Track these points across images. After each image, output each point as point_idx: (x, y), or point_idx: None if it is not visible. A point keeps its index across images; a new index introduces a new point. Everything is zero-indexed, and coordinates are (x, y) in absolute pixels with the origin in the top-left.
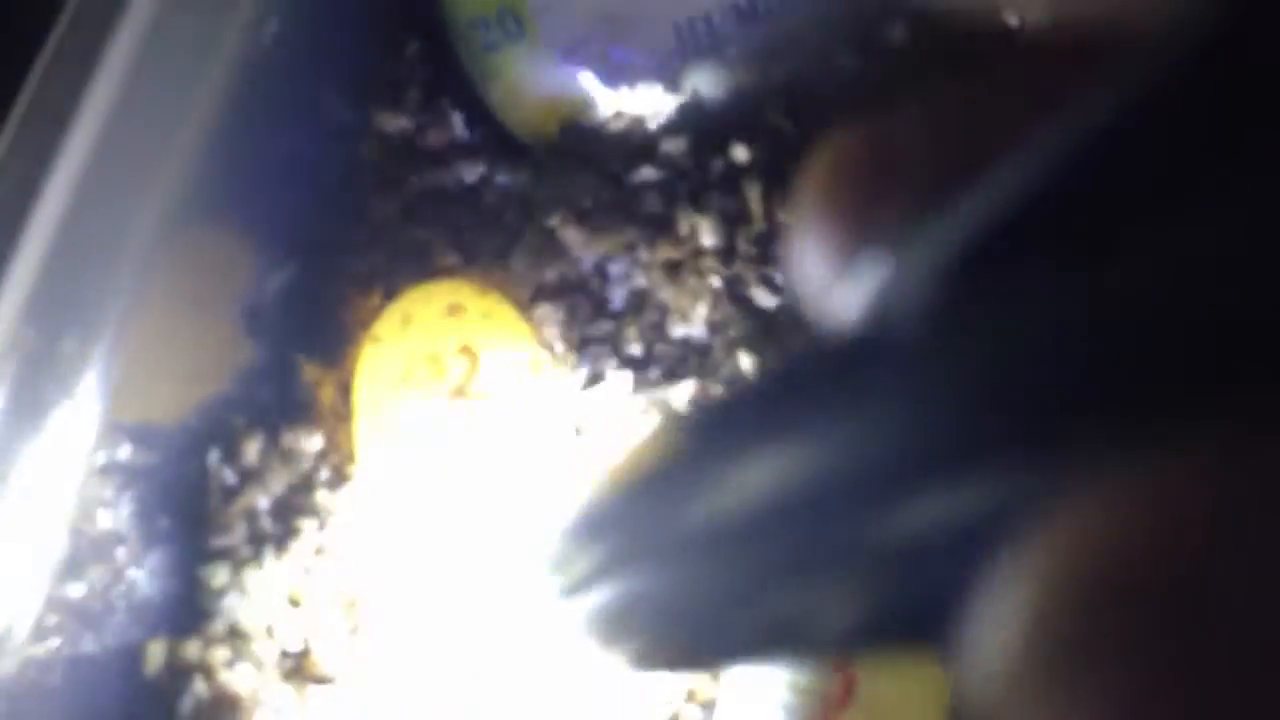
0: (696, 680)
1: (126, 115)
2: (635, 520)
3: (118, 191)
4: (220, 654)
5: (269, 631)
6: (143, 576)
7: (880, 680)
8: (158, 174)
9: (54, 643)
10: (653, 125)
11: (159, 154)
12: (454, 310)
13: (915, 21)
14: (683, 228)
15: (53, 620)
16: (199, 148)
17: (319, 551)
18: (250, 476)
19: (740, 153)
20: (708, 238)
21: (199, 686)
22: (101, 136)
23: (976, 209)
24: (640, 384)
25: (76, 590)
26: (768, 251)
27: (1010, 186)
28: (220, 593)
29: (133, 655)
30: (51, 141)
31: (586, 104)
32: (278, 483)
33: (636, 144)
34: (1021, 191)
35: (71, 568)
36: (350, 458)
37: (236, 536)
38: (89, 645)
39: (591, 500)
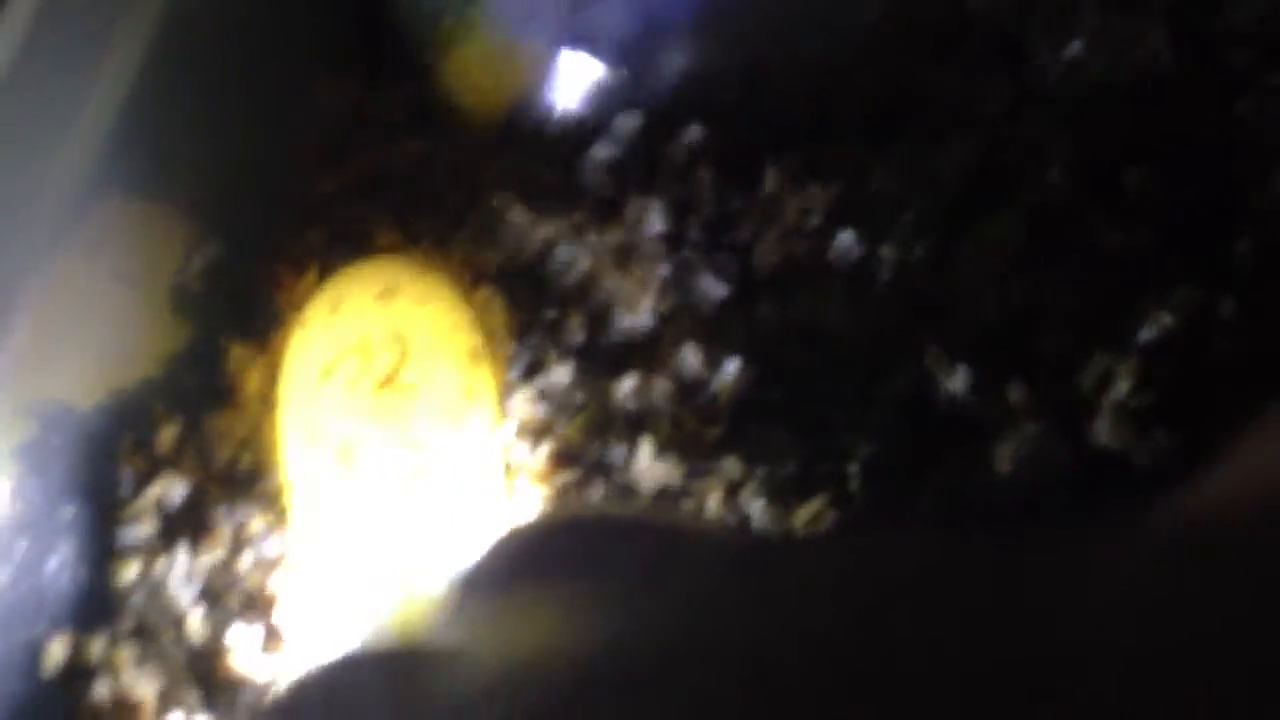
0: None
1: (30, 75)
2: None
3: (29, 158)
4: (126, 653)
5: (179, 629)
6: (49, 567)
7: None
8: (71, 142)
9: None
10: (604, 103)
11: (70, 120)
12: (387, 294)
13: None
14: (631, 211)
15: None
16: (116, 112)
17: (235, 545)
18: (164, 463)
19: (694, 134)
20: (656, 223)
21: (100, 688)
22: (8, 100)
23: None
24: (582, 375)
25: None
26: (718, 239)
27: None
28: (129, 588)
29: (33, 652)
30: None
31: (536, 78)
32: (194, 470)
33: (587, 122)
34: None
35: None
36: (273, 447)
37: (148, 528)
38: None
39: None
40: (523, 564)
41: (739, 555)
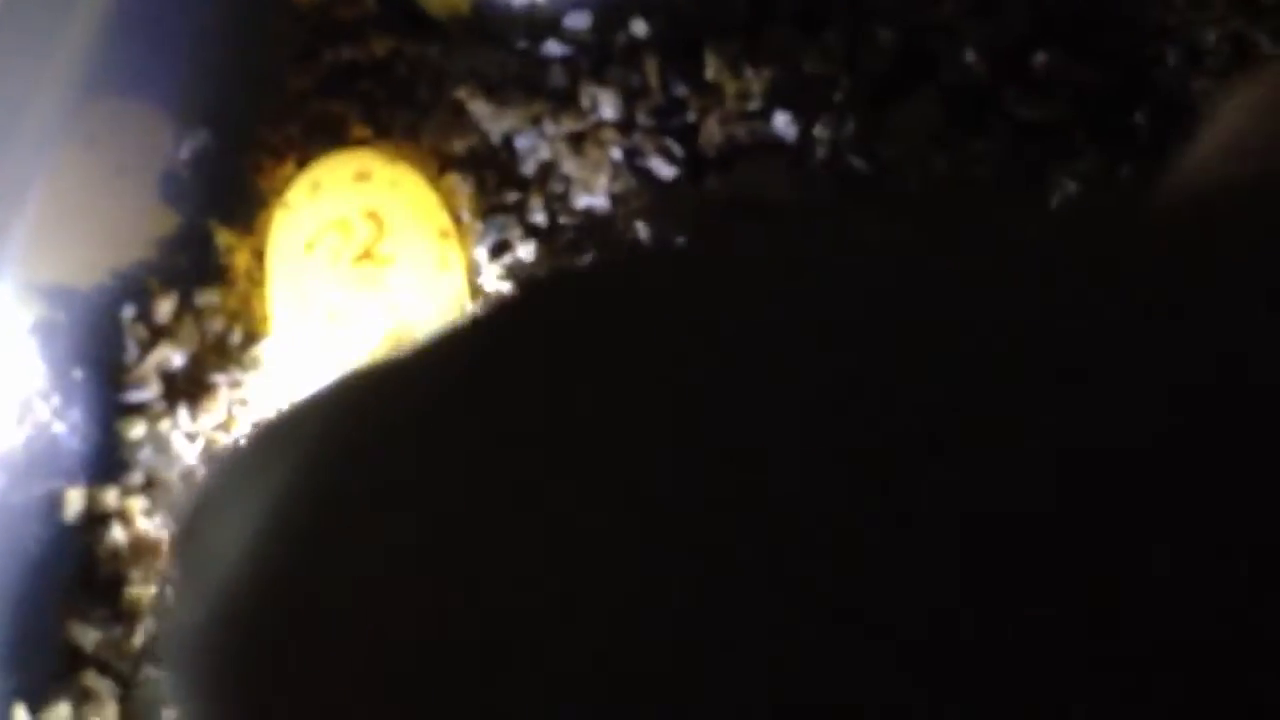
0: None
1: None
2: None
3: (29, 62)
4: (137, 502)
5: (185, 481)
6: (63, 429)
7: None
8: (64, 41)
9: None
10: (557, 1)
11: (63, 22)
12: (362, 177)
13: None
14: (585, 101)
15: None
16: (106, 14)
17: (233, 406)
18: (164, 333)
19: (640, 27)
20: (609, 110)
21: (116, 532)
22: (8, 8)
23: None
24: (544, 252)
25: None
26: (666, 124)
27: None
28: (137, 445)
29: (53, 502)
30: None
31: None
32: (191, 340)
33: (542, 20)
34: None
35: None
36: (263, 318)
37: (151, 391)
38: (11, 493)
39: None
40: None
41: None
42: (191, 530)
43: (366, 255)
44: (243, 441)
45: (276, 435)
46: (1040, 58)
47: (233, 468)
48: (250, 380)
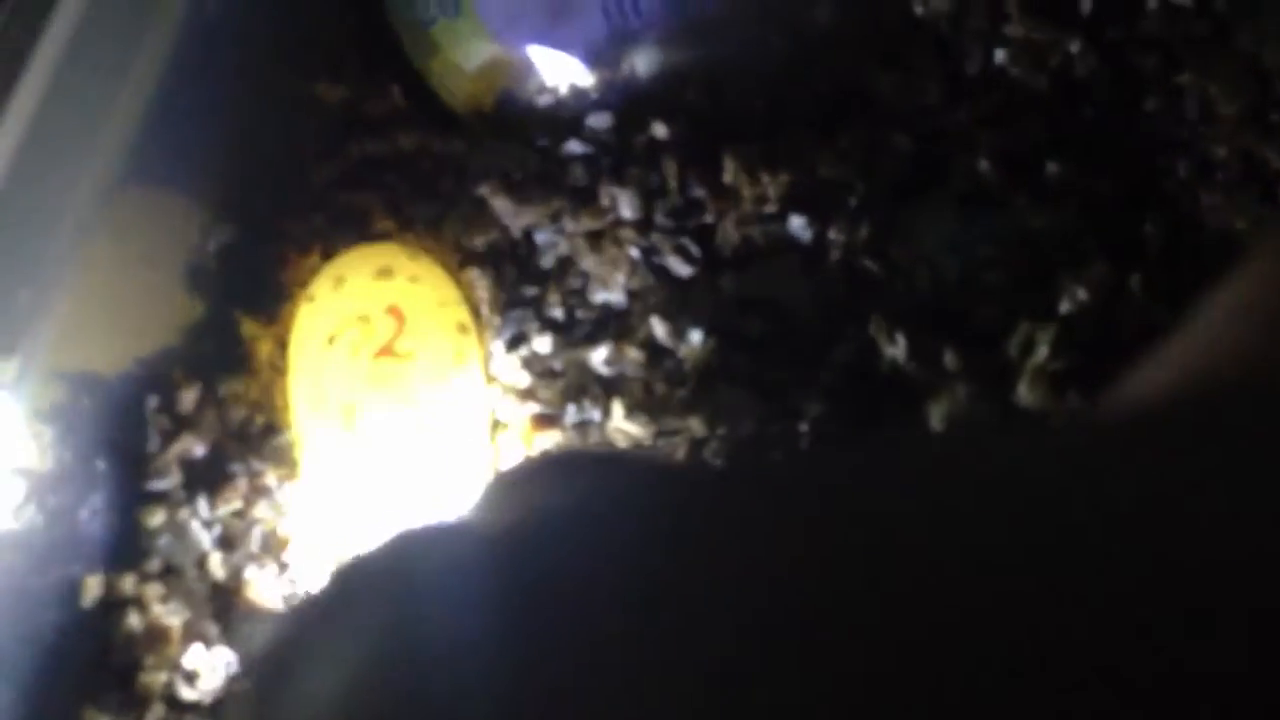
0: None
1: (70, 79)
2: None
3: (63, 153)
4: (154, 589)
5: (201, 568)
6: (83, 515)
7: None
8: (102, 137)
9: None
10: (580, 101)
11: (102, 119)
12: (384, 273)
13: (839, 3)
14: (604, 199)
15: None
16: (142, 112)
17: (250, 496)
18: (187, 424)
19: (660, 130)
20: (627, 209)
21: (132, 618)
22: (46, 100)
23: None
24: (561, 345)
25: (20, 527)
26: (683, 224)
27: None
28: (156, 532)
29: (71, 588)
30: None
31: (518, 79)
32: (213, 430)
33: (564, 119)
34: None
35: (16, 507)
36: (284, 409)
37: (172, 480)
38: (31, 577)
39: None
40: (512, 493)
41: (708, 478)
42: (275, 678)
43: (386, 350)
44: (319, 594)
45: (360, 592)
46: (1052, 166)
47: (315, 621)
48: (268, 470)
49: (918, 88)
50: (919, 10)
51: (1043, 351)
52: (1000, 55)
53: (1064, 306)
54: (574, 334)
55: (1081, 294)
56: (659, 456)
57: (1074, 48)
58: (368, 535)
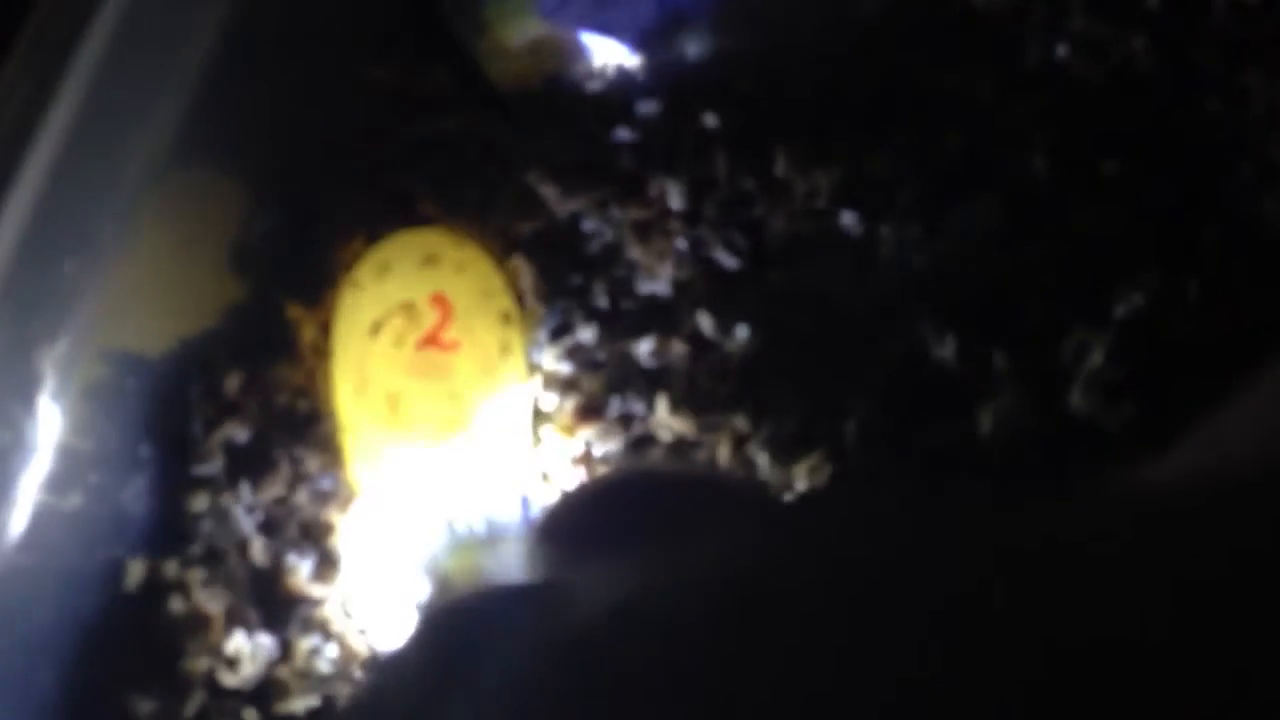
0: None
1: (120, 60)
2: None
3: (111, 133)
4: (197, 574)
5: (243, 554)
6: (127, 497)
7: None
8: (150, 118)
9: (42, 555)
10: (629, 87)
11: (151, 99)
12: (430, 260)
13: None
14: (653, 189)
15: (42, 534)
16: (191, 93)
17: (294, 482)
18: (231, 410)
19: (710, 119)
20: (676, 200)
21: (175, 603)
22: (97, 80)
23: None
24: (606, 336)
25: (65, 507)
26: (731, 216)
27: None
28: (199, 517)
29: (115, 571)
30: (48, 84)
31: (566, 62)
32: (256, 416)
33: (613, 104)
34: None
35: (60, 486)
36: (327, 395)
37: (215, 466)
38: (75, 559)
39: None
40: (592, 517)
41: (781, 511)
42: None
43: (431, 341)
44: (403, 648)
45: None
46: (1108, 166)
47: (406, 673)
48: (311, 456)
49: (970, 82)
50: (979, 2)
51: (1097, 358)
52: (1061, 50)
53: (1120, 312)
54: (619, 325)
55: (1137, 299)
56: (734, 484)
57: (1138, 44)
58: (408, 524)
